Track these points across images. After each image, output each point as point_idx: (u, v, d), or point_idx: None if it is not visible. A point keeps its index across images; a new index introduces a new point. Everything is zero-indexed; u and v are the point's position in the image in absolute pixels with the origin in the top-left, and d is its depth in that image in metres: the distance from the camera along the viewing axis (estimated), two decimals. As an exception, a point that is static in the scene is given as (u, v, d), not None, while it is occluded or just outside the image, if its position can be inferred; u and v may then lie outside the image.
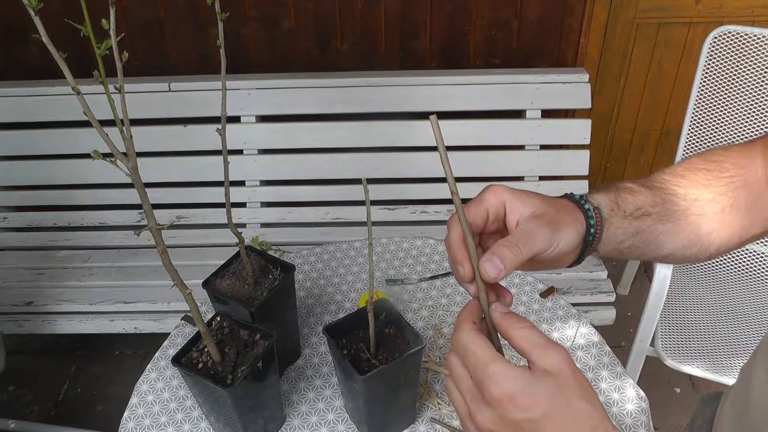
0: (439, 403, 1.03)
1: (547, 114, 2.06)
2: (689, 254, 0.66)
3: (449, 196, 0.58)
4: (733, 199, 0.64)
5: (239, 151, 2.06)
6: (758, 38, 1.64)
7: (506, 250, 0.55)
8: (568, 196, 0.62)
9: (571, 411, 0.49)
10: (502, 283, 1.26)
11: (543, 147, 2.06)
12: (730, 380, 1.51)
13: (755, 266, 1.81)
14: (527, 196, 0.59)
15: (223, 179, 0.92)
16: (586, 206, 0.60)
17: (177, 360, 0.88)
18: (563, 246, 0.58)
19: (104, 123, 0.61)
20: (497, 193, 0.59)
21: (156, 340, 1.26)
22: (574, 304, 1.23)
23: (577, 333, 1.14)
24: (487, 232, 0.60)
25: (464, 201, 0.57)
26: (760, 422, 0.61)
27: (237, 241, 0.97)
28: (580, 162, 2.05)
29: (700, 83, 1.71)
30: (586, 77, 2.01)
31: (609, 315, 1.80)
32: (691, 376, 1.88)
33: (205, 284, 1.00)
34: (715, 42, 1.67)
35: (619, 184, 0.64)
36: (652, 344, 1.61)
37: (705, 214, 0.64)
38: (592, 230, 0.60)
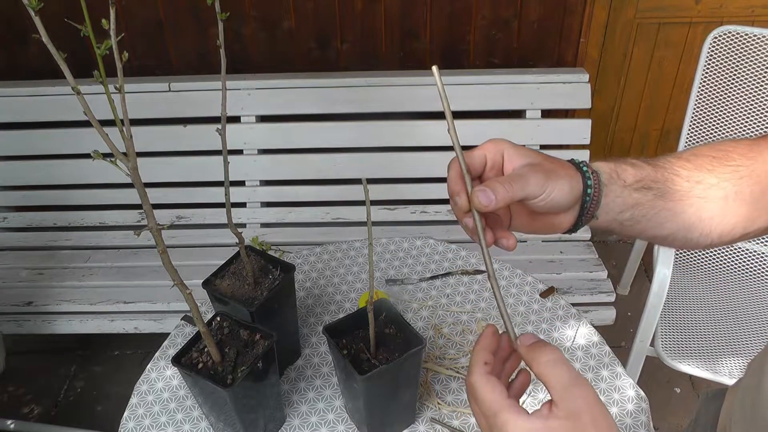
0: (439, 403, 1.03)
1: (547, 114, 2.06)
2: (690, 238, 0.66)
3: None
4: (737, 187, 0.64)
5: (239, 151, 2.05)
6: (758, 38, 1.64)
7: (498, 185, 0.57)
8: (569, 161, 0.64)
9: None
10: (503, 282, 1.25)
11: (543, 147, 2.06)
12: (730, 380, 1.51)
13: (755, 266, 1.81)
14: (526, 150, 0.62)
15: (223, 179, 0.92)
16: (584, 168, 0.62)
17: (177, 360, 0.88)
18: (556, 196, 0.59)
19: (104, 123, 0.61)
20: (497, 142, 0.62)
21: (156, 340, 1.26)
22: (574, 304, 1.23)
23: (577, 333, 1.14)
24: (485, 178, 0.62)
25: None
26: None
27: (237, 241, 0.97)
28: (580, 162, 2.05)
29: (700, 83, 1.71)
30: (586, 77, 2.01)
31: (609, 315, 1.80)
32: (691, 376, 1.88)
33: (205, 284, 1.00)
34: (715, 42, 1.67)
35: (622, 158, 0.65)
36: (652, 344, 1.61)
37: (707, 198, 0.64)
38: (589, 191, 0.61)
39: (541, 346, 0.53)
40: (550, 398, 0.51)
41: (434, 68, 0.57)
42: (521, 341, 0.55)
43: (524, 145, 0.62)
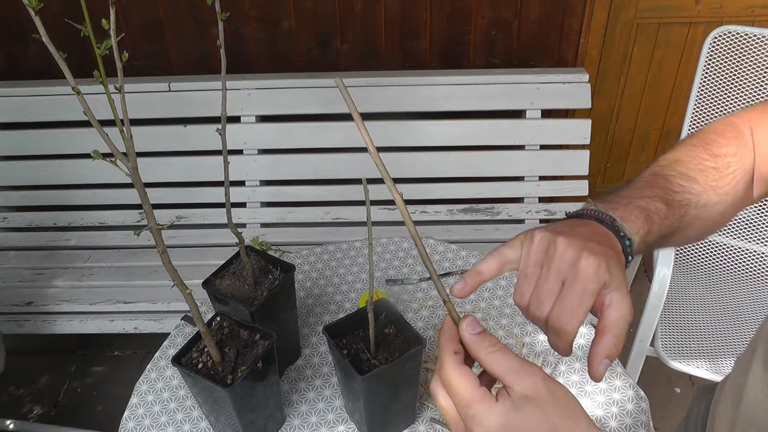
0: (439, 403, 1.03)
1: (547, 114, 2.06)
2: (680, 245, 0.70)
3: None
4: (733, 195, 0.67)
5: (239, 151, 2.05)
6: (758, 38, 1.64)
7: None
8: (613, 227, 0.59)
9: (554, 431, 0.49)
10: (503, 282, 1.25)
11: (543, 147, 2.06)
12: (730, 380, 1.51)
13: (755, 266, 1.81)
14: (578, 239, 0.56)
15: (223, 179, 0.92)
16: (630, 258, 0.59)
17: (177, 360, 0.88)
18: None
19: (104, 123, 0.61)
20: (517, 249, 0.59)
21: (156, 340, 1.26)
22: (574, 304, 1.22)
23: (578, 333, 1.14)
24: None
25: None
26: (753, 413, 0.62)
27: (237, 241, 0.97)
28: (580, 162, 2.05)
29: (700, 83, 1.71)
30: (586, 77, 2.01)
31: (609, 315, 1.80)
32: (691, 376, 1.88)
33: (205, 284, 1.00)
34: (715, 42, 1.67)
35: (651, 208, 0.62)
36: (652, 344, 1.61)
37: (709, 217, 0.66)
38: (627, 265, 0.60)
39: (487, 335, 0.53)
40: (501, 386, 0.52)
41: (337, 80, 0.51)
42: (467, 328, 0.54)
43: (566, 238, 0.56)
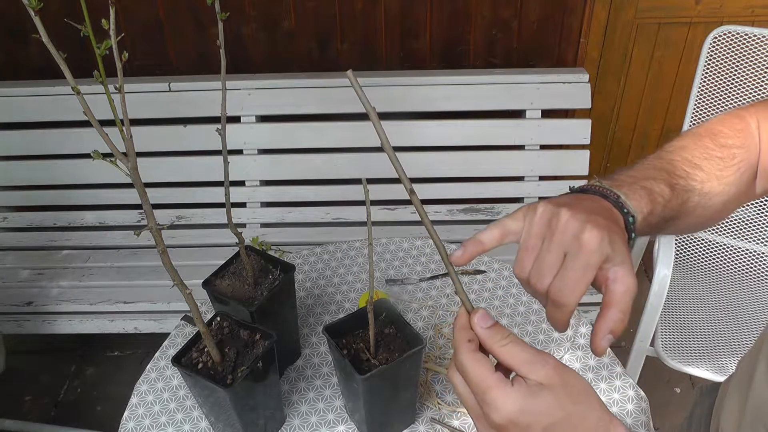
0: (439, 403, 1.03)
1: (547, 114, 2.06)
2: (681, 232, 0.70)
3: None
4: (737, 186, 0.67)
5: (239, 151, 2.05)
6: (758, 38, 1.64)
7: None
8: (618, 207, 0.59)
9: (568, 417, 0.50)
10: (503, 282, 1.25)
11: (543, 147, 2.06)
12: (730, 380, 1.51)
13: (755, 266, 1.81)
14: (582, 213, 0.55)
15: (223, 179, 0.92)
16: (633, 236, 0.59)
17: (177, 360, 0.88)
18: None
19: (104, 123, 0.61)
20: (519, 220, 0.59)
21: (156, 340, 1.26)
22: (574, 304, 1.22)
23: (577, 333, 1.14)
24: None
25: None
26: (760, 410, 0.62)
27: (237, 241, 0.97)
28: (580, 162, 2.05)
29: (700, 83, 1.71)
30: (586, 77, 2.01)
31: (609, 315, 1.80)
32: (691, 376, 1.88)
33: (205, 284, 1.00)
34: (715, 42, 1.67)
35: (655, 189, 0.61)
36: (652, 344, 1.61)
37: (711, 206, 0.66)
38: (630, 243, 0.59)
39: (499, 328, 0.54)
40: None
41: (348, 73, 0.52)
42: (479, 322, 0.54)
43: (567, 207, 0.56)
